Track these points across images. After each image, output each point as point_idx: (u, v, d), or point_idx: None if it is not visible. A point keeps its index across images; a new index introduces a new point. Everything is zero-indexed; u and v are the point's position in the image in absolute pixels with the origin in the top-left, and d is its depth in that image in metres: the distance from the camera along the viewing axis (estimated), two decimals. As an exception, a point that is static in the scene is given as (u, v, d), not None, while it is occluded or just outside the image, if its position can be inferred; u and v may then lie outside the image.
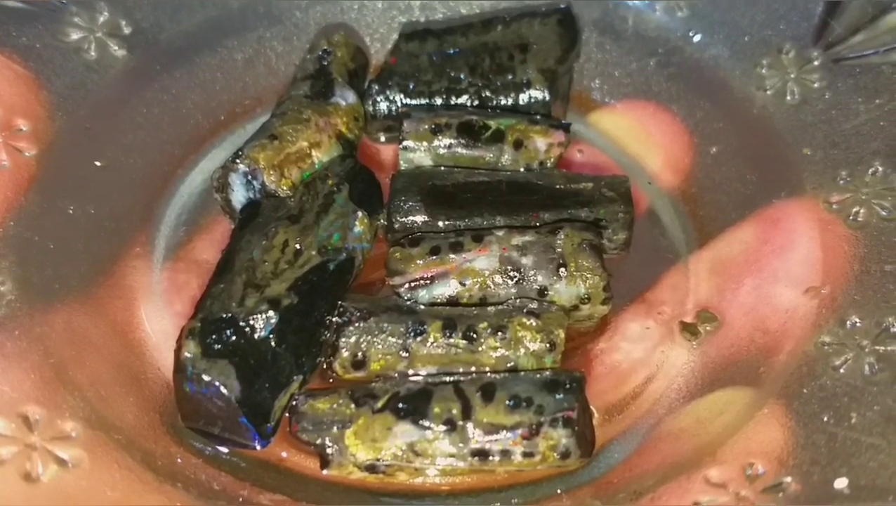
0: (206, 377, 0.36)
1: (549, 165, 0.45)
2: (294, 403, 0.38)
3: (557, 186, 0.44)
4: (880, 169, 0.44)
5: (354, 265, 0.42)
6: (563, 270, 0.41)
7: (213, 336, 0.37)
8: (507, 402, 0.37)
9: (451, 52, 0.49)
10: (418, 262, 0.41)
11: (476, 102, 0.48)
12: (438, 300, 0.41)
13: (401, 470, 0.37)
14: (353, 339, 0.39)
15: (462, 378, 0.39)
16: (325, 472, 0.38)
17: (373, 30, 0.52)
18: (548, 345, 0.39)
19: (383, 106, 0.48)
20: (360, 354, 0.39)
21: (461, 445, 0.37)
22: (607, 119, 0.51)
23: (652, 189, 0.48)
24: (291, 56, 0.50)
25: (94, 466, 0.35)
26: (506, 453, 0.37)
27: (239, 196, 0.43)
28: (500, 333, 0.39)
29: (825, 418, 0.36)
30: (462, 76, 0.48)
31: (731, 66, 0.49)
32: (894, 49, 0.47)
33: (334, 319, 0.40)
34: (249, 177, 0.42)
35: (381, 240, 0.44)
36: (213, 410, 0.37)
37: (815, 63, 0.48)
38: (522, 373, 0.39)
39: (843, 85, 0.47)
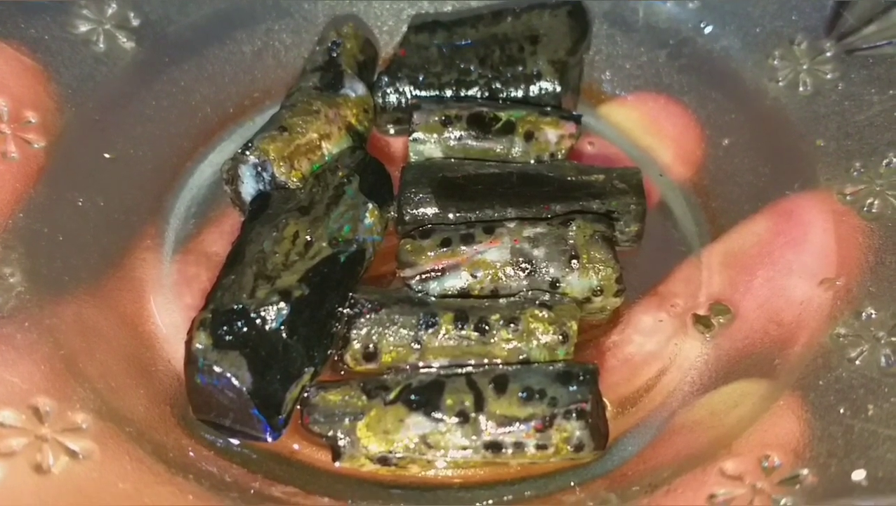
0: (217, 369, 0.36)
1: (559, 156, 0.45)
2: (305, 394, 0.38)
3: (569, 178, 0.44)
4: (894, 160, 0.43)
5: (365, 257, 0.41)
6: (575, 261, 0.40)
7: (225, 327, 0.36)
8: (519, 394, 0.37)
9: (461, 43, 0.49)
10: (429, 254, 0.41)
11: (486, 94, 0.47)
12: (450, 292, 0.40)
13: (413, 462, 0.37)
14: (364, 331, 0.39)
15: (474, 370, 0.38)
16: (336, 464, 0.37)
17: (382, 21, 0.52)
18: (560, 337, 0.39)
19: (393, 98, 0.47)
20: (371, 345, 0.39)
21: (474, 437, 0.37)
22: (618, 111, 0.50)
23: (663, 181, 0.48)
24: (300, 48, 0.50)
25: (105, 457, 0.35)
26: (519, 446, 0.37)
27: (249, 188, 0.43)
28: (512, 325, 0.39)
29: (841, 410, 0.36)
30: (472, 68, 0.48)
31: (742, 57, 0.49)
32: (907, 40, 0.46)
33: (345, 311, 0.39)
34: (259, 168, 0.42)
35: (391, 232, 0.44)
36: (225, 401, 0.36)
37: (828, 54, 0.48)
38: (535, 365, 0.39)
39: (857, 76, 0.46)
